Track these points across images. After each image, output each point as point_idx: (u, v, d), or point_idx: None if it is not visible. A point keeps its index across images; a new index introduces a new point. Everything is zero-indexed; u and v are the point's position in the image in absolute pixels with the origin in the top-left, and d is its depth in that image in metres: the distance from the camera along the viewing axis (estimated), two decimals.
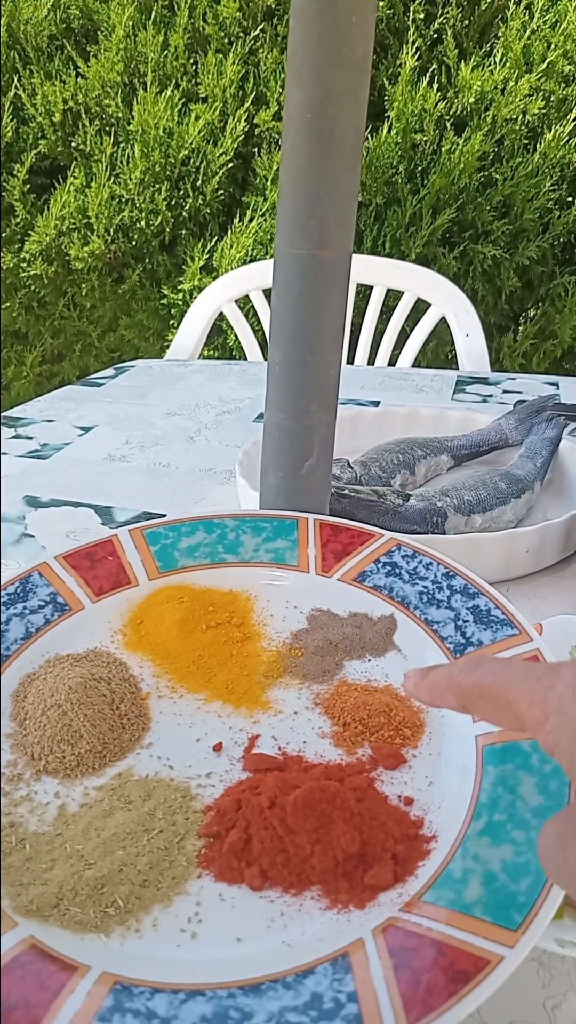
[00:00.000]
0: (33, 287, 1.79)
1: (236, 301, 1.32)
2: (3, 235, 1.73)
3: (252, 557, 0.47)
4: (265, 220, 1.66)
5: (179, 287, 1.74)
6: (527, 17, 1.51)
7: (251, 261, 1.65)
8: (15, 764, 0.34)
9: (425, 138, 1.56)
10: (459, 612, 0.40)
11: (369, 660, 0.40)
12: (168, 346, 1.50)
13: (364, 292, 1.34)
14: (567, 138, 1.54)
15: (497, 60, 1.53)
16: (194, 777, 0.33)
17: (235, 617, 0.43)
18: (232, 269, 1.47)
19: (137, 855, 0.29)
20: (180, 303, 1.74)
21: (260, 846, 0.29)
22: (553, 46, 1.51)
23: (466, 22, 1.54)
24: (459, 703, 0.29)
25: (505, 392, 0.97)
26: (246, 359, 1.34)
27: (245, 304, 1.36)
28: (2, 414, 0.91)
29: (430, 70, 1.55)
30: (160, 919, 0.28)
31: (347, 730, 0.35)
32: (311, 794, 0.30)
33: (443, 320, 1.24)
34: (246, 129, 1.61)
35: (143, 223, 1.68)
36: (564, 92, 1.53)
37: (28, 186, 1.72)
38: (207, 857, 0.30)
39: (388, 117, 1.57)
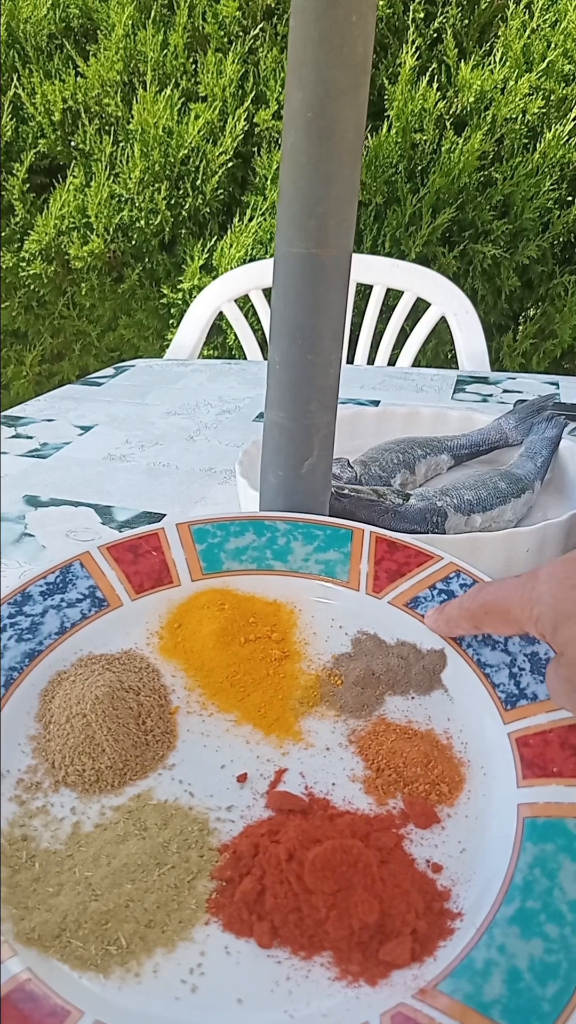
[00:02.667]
0: (32, 286, 1.79)
1: (236, 300, 1.32)
2: (3, 234, 1.73)
3: (301, 567, 0.45)
4: (265, 219, 1.66)
5: (179, 286, 1.74)
6: (527, 16, 1.51)
7: (251, 260, 1.65)
8: (35, 770, 0.34)
9: (425, 137, 1.56)
10: (515, 657, 0.37)
11: (412, 698, 0.38)
12: (168, 345, 1.50)
13: (364, 292, 1.34)
14: (567, 137, 1.53)
15: (497, 59, 1.53)
16: (214, 809, 0.32)
17: (276, 632, 0.41)
18: (232, 268, 1.47)
19: (146, 891, 0.28)
20: (180, 302, 1.74)
21: (273, 900, 0.28)
22: (553, 45, 1.50)
23: (466, 21, 1.54)
24: (472, 625, 0.34)
25: (505, 392, 0.97)
26: (246, 359, 1.34)
27: (245, 303, 1.36)
28: (2, 413, 0.91)
29: (430, 69, 1.55)
30: (162, 965, 0.26)
31: (380, 777, 0.33)
32: (332, 855, 0.28)
33: (443, 320, 1.24)
34: (246, 128, 1.61)
35: (143, 222, 1.68)
36: (564, 91, 1.53)
37: (27, 185, 1.72)
38: (217, 903, 0.28)
39: (388, 116, 1.56)
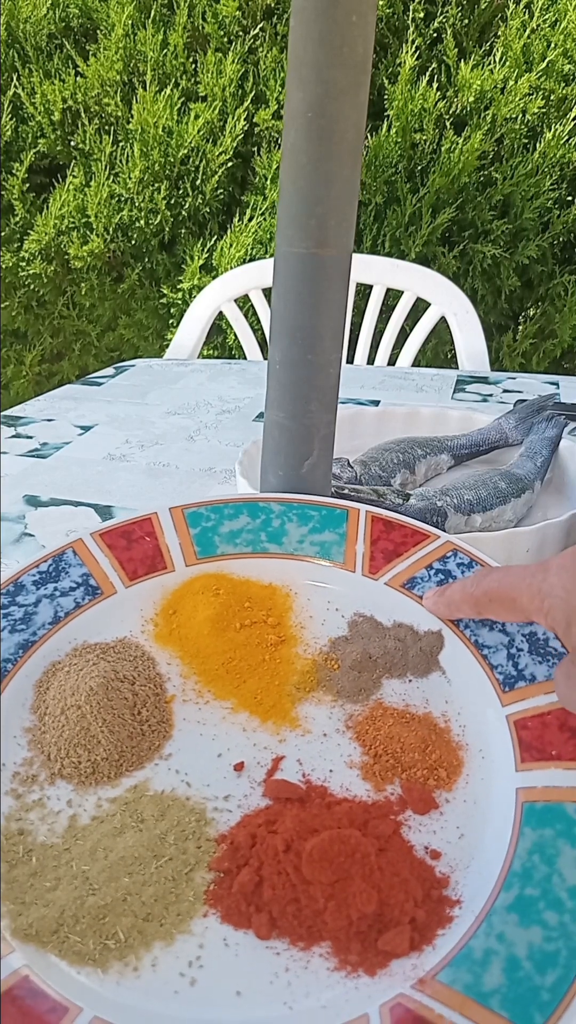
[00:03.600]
0: (32, 286, 1.79)
1: (236, 300, 1.32)
2: (2, 234, 1.73)
3: (296, 549, 0.44)
4: (265, 219, 1.66)
5: (178, 286, 1.74)
6: (527, 16, 1.51)
7: (251, 260, 1.65)
8: (31, 763, 0.34)
9: (425, 137, 1.56)
10: (513, 638, 0.37)
11: (410, 680, 0.38)
12: (167, 345, 1.50)
13: (364, 291, 1.34)
14: (567, 137, 1.54)
15: (497, 59, 1.53)
16: (211, 799, 0.32)
17: (271, 616, 0.41)
18: (232, 268, 1.47)
19: (143, 884, 0.28)
20: (179, 302, 1.74)
21: (271, 892, 0.28)
22: (553, 45, 1.50)
23: (466, 21, 1.54)
24: (474, 611, 0.34)
25: (505, 392, 0.97)
26: (246, 358, 1.34)
27: (245, 303, 1.36)
28: (2, 413, 0.91)
29: (430, 69, 1.55)
30: (160, 959, 0.26)
31: (377, 763, 0.33)
32: (330, 845, 0.28)
33: (443, 320, 1.24)
34: (245, 128, 1.61)
35: (142, 222, 1.68)
36: (564, 91, 1.53)
37: (27, 185, 1.72)
38: (215, 894, 0.28)
39: (388, 116, 1.56)
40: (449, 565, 0.41)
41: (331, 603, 0.42)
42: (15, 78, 1.66)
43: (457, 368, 1.18)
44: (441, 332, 1.41)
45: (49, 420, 0.88)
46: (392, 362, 1.31)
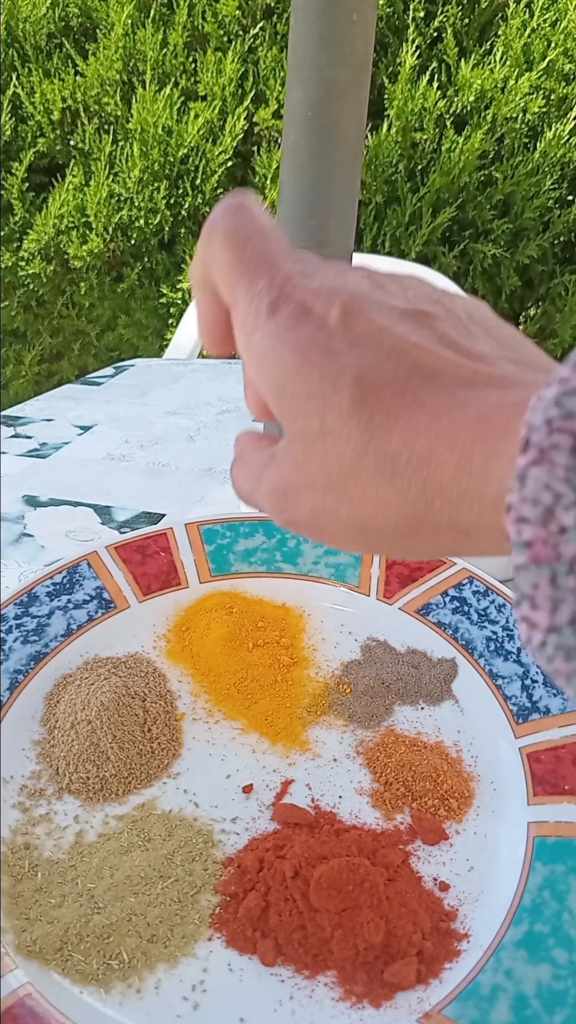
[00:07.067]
0: (32, 286, 1.79)
1: None
2: (2, 234, 1.73)
3: (311, 570, 0.44)
4: None
5: (178, 286, 1.74)
6: (527, 15, 1.51)
7: None
8: (39, 776, 0.33)
9: (425, 137, 1.56)
10: (528, 669, 0.36)
11: (422, 708, 0.37)
12: (167, 345, 1.50)
13: None
14: (567, 136, 1.53)
15: (497, 58, 1.52)
16: (219, 820, 0.32)
17: (284, 637, 0.41)
18: None
19: (149, 905, 0.28)
20: (179, 302, 1.74)
21: (277, 918, 0.27)
22: (553, 44, 1.50)
23: (466, 20, 1.53)
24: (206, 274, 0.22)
25: None
26: None
27: None
28: (1, 413, 0.90)
29: (430, 68, 1.55)
30: (164, 981, 0.26)
31: (388, 790, 0.33)
32: (338, 873, 0.28)
33: None
34: (245, 127, 1.61)
35: (142, 222, 1.68)
36: (564, 90, 1.53)
37: (27, 184, 1.72)
38: (221, 918, 0.28)
39: (388, 115, 1.56)
40: (465, 592, 0.41)
41: (344, 626, 0.42)
42: (15, 77, 1.66)
43: None
44: None
45: (49, 420, 0.88)
46: None
